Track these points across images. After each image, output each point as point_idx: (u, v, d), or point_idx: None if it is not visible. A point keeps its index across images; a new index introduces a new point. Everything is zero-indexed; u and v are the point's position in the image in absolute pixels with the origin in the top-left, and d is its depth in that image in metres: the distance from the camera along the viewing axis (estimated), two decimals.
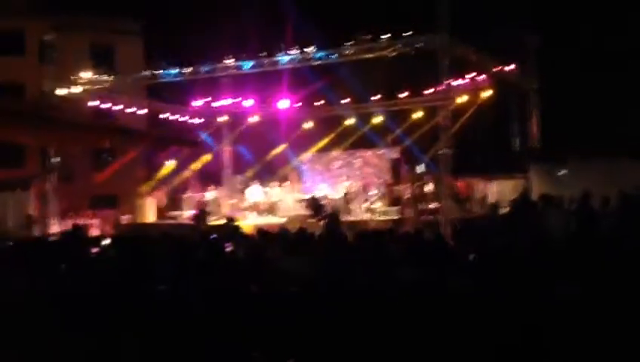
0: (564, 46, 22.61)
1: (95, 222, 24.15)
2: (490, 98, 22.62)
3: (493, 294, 5.21)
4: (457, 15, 16.94)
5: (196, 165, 27.58)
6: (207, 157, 27.91)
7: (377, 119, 26.00)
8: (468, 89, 22.34)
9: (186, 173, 27.23)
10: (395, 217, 20.66)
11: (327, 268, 6.59)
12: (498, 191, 21.96)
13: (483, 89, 22.46)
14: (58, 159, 22.25)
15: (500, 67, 20.56)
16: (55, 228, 21.58)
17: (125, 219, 25.03)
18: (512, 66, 20.88)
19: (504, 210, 16.27)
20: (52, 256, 7.54)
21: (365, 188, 22.38)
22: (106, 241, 9.84)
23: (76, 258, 7.86)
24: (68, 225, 22.13)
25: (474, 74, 21.16)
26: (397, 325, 5.08)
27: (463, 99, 22.62)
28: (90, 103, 22.53)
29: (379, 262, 6.68)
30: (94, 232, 21.49)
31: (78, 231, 10.82)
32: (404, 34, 17.75)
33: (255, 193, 24.70)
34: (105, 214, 25.53)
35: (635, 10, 21.67)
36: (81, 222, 22.43)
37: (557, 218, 11.62)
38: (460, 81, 21.32)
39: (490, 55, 19.78)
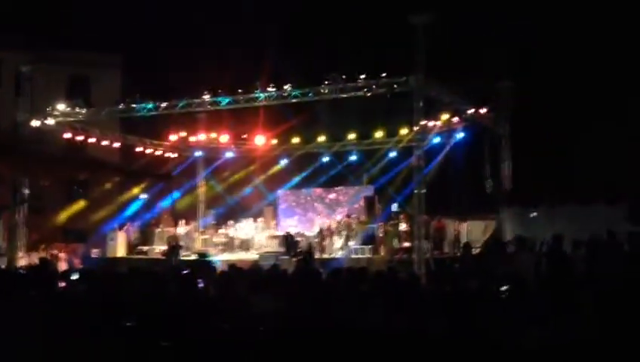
0: (537, 93, 23.08)
1: (64, 255, 23.70)
2: (463, 140, 22.95)
3: (465, 336, 5.20)
4: (432, 58, 17.27)
5: (169, 200, 27.38)
6: (180, 192, 27.75)
7: (352, 157, 26.18)
8: (442, 130, 22.66)
9: (159, 208, 26.97)
10: (369, 255, 20.66)
11: (298, 306, 6.54)
12: (470, 231, 22.09)
13: (457, 131, 22.80)
14: (28, 191, 21.94)
15: (474, 110, 20.89)
16: (24, 260, 21.14)
17: (95, 252, 24.62)
18: (485, 110, 21.22)
19: (476, 251, 16.37)
20: (19, 290, 7.38)
21: (339, 226, 22.37)
22: (75, 276, 9.66)
23: (44, 292, 7.69)
24: (37, 257, 21.76)
25: (448, 116, 21.46)
26: None
27: (436, 140, 22.94)
28: (64, 135, 22.39)
29: (351, 301, 6.64)
30: (63, 266, 21.10)
31: (47, 265, 10.62)
32: (381, 74, 18.04)
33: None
34: (74, 248, 25.08)
35: (606, 60, 22.30)
36: (50, 255, 22.07)
37: (528, 260, 11.72)
38: (434, 122, 21.62)
39: (464, 98, 20.13)
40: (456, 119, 21.94)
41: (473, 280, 8.65)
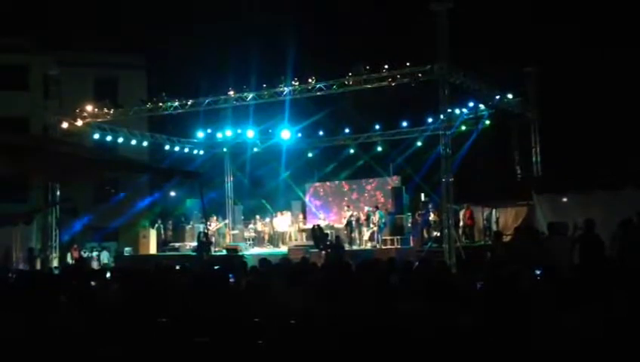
0: (565, 77, 22.70)
1: (97, 254, 24.09)
2: (491, 127, 22.68)
3: (499, 327, 5.14)
4: (457, 45, 17.07)
5: (198, 196, 27.55)
6: (209, 189, 27.92)
7: (378, 148, 26.07)
8: (468, 117, 22.42)
9: (189, 204, 27.20)
10: (398, 246, 20.60)
11: (327, 300, 6.52)
12: (501, 219, 21.86)
13: (483, 118, 22.54)
14: (60, 193, 22.26)
15: (500, 96, 20.63)
16: (57, 261, 21.50)
17: (127, 250, 24.96)
18: (511, 96, 20.95)
19: (507, 238, 16.18)
20: (54, 290, 7.49)
21: (368, 218, 22.32)
22: (108, 274, 9.80)
23: (78, 291, 7.81)
24: (70, 258, 22.15)
25: (474, 103, 21.23)
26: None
27: (463, 127, 22.71)
28: (94, 136, 22.71)
29: (380, 294, 6.61)
30: (96, 265, 21.42)
31: (80, 265, 10.79)
32: (405, 64, 17.91)
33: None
34: (107, 247, 25.47)
35: (634, 41, 21.83)
36: (83, 255, 22.42)
37: (561, 245, 11.55)
38: (460, 110, 21.41)
39: (490, 84, 19.89)
40: (482, 106, 21.69)
41: (505, 268, 8.54)
